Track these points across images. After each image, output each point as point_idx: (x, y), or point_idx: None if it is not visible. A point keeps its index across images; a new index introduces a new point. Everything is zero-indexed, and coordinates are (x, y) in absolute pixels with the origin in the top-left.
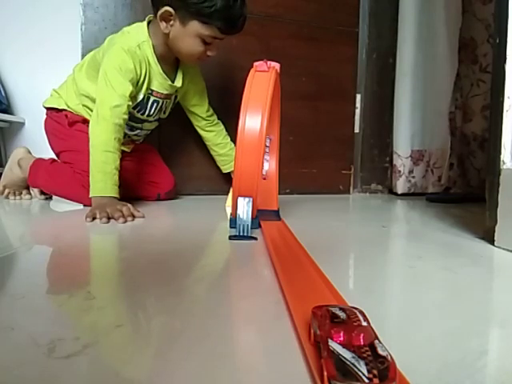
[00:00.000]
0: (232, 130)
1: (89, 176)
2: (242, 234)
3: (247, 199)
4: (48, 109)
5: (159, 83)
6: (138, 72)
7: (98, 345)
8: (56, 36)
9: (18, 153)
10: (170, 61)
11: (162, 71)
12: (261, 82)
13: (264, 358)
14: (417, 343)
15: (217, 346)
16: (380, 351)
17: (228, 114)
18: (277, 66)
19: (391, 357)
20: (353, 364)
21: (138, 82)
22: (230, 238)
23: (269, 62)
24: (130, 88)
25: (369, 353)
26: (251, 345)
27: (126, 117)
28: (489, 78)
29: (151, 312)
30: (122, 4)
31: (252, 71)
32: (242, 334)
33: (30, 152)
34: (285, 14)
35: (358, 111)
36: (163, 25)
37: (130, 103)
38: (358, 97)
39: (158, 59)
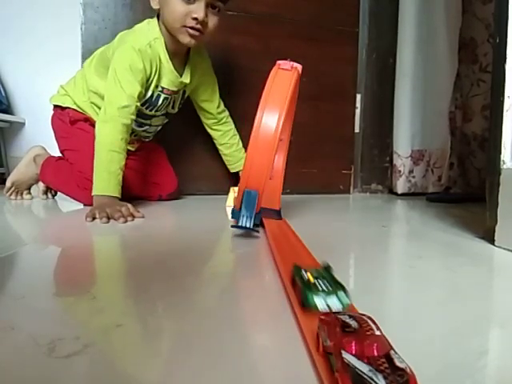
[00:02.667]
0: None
1: (85, 177)
2: (244, 224)
3: (253, 192)
4: (54, 106)
5: (170, 80)
6: (148, 71)
7: (98, 344)
8: (56, 36)
9: (34, 150)
10: (181, 56)
11: (173, 68)
12: (282, 81)
13: (266, 359)
14: (417, 343)
15: (219, 347)
16: (398, 363)
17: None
18: (299, 67)
19: (410, 369)
20: (370, 378)
21: (148, 80)
22: (232, 226)
23: (292, 62)
24: (139, 89)
25: (386, 365)
26: (253, 347)
27: (134, 117)
28: (489, 78)
29: (152, 312)
30: (122, 4)
31: (275, 68)
32: (246, 335)
33: (46, 150)
34: (285, 13)
35: (358, 111)
36: (153, 1)
37: (138, 104)
38: (358, 97)
39: (169, 56)
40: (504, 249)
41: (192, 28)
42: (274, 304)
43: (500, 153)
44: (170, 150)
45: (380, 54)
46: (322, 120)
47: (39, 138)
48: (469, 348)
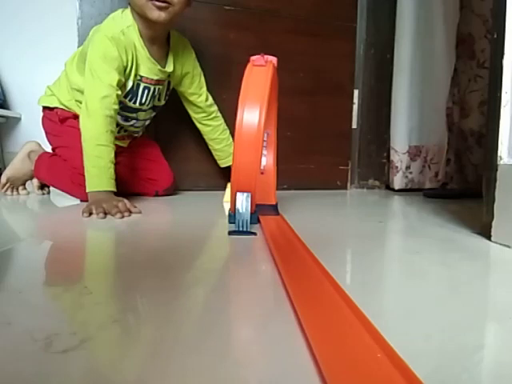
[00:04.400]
0: (229, 124)
1: (79, 173)
2: (241, 229)
3: (246, 194)
4: (43, 107)
5: (148, 68)
6: (124, 59)
7: (94, 340)
8: (53, 31)
9: (28, 146)
10: (159, 43)
11: (149, 55)
12: (258, 77)
13: (266, 353)
14: (413, 337)
15: (215, 341)
16: None
17: (225, 109)
18: (274, 59)
19: None
20: None
21: (125, 69)
22: (230, 233)
23: (266, 56)
24: (117, 77)
25: None
26: (252, 341)
27: (117, 107)
28: (486, 74)
29: (148, 307)
30: None
31: (249, 66)
32: (242, 329)
33: (40, 146)
34: (282, 8)
35: (355, 107)
36: None
37: (119, 92)
38: (356, 92)
39: (144, 43)
40: (500, 244)
41: (157, 0)
42: (272, 299)
43: (497, 148)
44: (166, 146)
45: (378, 50)
46: (319, 115)
47: (35, 133)
48: (465, 343)
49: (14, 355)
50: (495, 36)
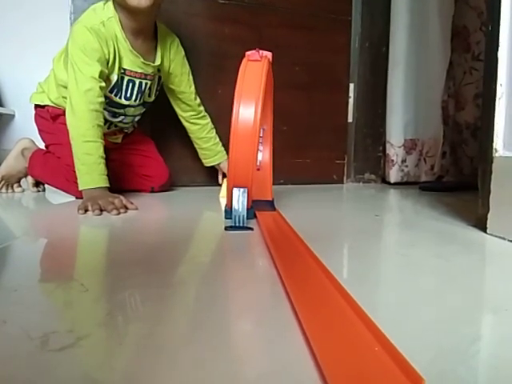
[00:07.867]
0: (224, 119)
1: (73, 170)
2: (237, 224)
3: (242, 190)
4: (34, 105)
5: (130, 61)
6: (106, 51)
7: (91, 337)
8: (46, 27)
9: (22, 143)
10: (145, 36)
11: (131, 48)
12: (253, 72)
13: (262, 348)
14: (410, 330)
15: (212, 336)
16: None
17: (220, 104)
18: (269, 55)
19: None
20: None
21: (108, 61)
22: (226, 228)
23: (261, 51)
24: (99, 68)
25: None
26: (248, 335)
27: (102, 100)
28: (481, 66)
29: (145, 303)
30: None
31: (244, 61)
32: (239, 324)
33: (34, 143)
34: (277, 2)
35: (351, 100)
36: None
37: (103, 84)
38: (351, 86)
39: (127, 35)
40: (496, 236)
41: None
42: (269, 294)
43: (492, 141)
44: (162, 142)
45: (373, 43)
46: (314, 110)
47: (29, 129)
48: (462, 335)
49: (11, 353)
50: (490, 28)
